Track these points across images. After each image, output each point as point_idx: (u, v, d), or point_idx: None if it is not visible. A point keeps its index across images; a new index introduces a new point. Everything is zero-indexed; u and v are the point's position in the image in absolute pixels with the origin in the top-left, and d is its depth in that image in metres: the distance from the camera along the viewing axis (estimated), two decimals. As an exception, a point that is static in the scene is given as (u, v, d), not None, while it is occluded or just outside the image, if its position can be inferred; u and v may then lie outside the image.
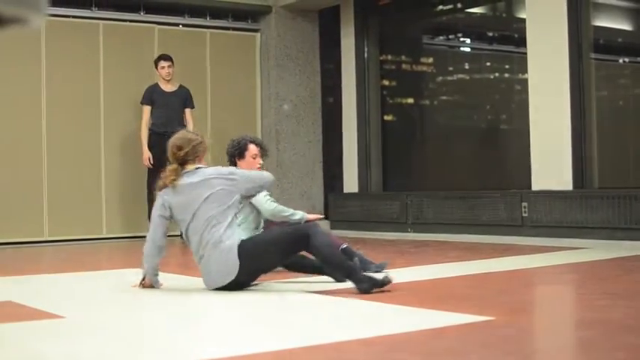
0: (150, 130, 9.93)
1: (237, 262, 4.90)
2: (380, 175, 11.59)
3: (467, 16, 11.56)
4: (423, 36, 12.16)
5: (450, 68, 11.84)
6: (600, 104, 9.36)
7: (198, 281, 5.65)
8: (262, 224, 6.06)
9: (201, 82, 11.18)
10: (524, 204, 9.03)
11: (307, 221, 5.73)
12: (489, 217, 9.45)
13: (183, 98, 10.06)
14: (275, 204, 5.89)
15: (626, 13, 10.28)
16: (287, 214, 5.78)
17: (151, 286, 5.37)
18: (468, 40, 12.03)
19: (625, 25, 10.50)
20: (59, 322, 4.10)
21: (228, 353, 3.21)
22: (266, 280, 5.28)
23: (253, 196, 5.45)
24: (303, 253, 5.11)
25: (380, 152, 11.59)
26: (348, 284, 5.03)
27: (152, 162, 9.84)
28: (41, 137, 10.10)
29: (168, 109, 9.94)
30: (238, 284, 4.96)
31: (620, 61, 10.56)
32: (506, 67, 11.14)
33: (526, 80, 9.31)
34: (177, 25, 11.29)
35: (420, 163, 11.76)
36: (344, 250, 6.00)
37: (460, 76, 11.78)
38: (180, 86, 10.13)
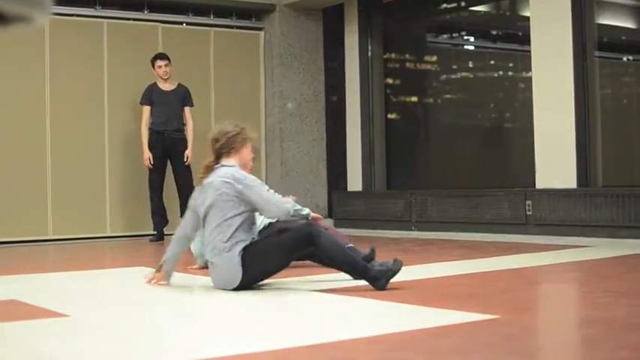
0: (150, 129, 9.93)
1: (240, 272, 4.88)
2: (384, 173, 11.59)
3: (471, 15, 11.56)
4: (427, 34, 12.15)
5: (454, 66, 11.83)
6: (604, 102, 9.36)
7: (201, 279, 5.66)
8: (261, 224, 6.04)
9: (204, 81, 11.18)
10: (528, 202, 9.03)
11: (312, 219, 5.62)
12: (493, 216, 9.45)
13: (182, 96, 10.05)
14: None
15: (631, 11, 10.27)
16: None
17: (160, 281, 5.33)
18: (472, 39, 12.02)
19: (629, 23, 10.48)
20: (63, 321, 4.10)
21: (230, 352, 3.21)
22: (272, 278, 5.28)
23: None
24: None
25: (384, 150, 11.59)
26: (350, 283, 5.04)
27: (152, 162, 9.86)
28: (45, 136, 10.11)
29: (167, 107, 9.94)
30: (243, 287, 4.94)
31: (624, 59, 10.54)
32: (510, 65, 11.14)
33: (530, 78, 9.31)
34: (181, 23, 11.29)
35: (424, 161, 11.76)
36: (349, 249, 6.02)
37: (464, 74, 11.77)
38: (179, 85, 10.12)
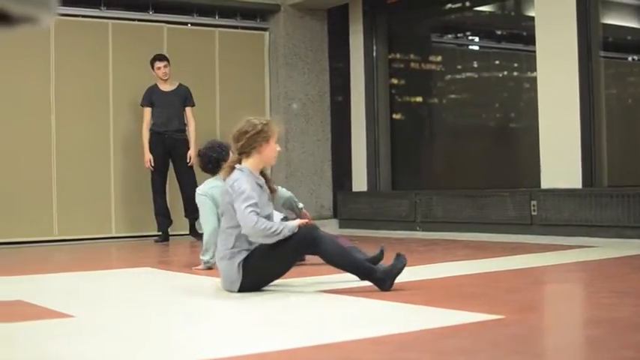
0: (150, 130, 9.95)
1: (240, 280, 4.88)
2: (389, 173, 11.59)
3: (475, 15, 11.55)
4: (432, 34, 12.15)
5: (459, 67, 11.83)
6: (609, 102, 9.35)
7: (206, 280, 5.67)
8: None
9: (209, 81, 11.19)
10: (534, 202, 9.02)
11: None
12: (498, 216, 9.44)
13: (183, 97, 10.05)
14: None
15: (636, 10, 10.26)
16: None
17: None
18: (477, 39, 12.02)
19: (634, 23, 10.47)
20: (69, 322, 4.11)
21: (235, 352, 3.21)
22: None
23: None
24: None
25: (389, 151, 11.59)
26: (355, 284, 5.04)
27: (153, 164, 9.87)
28: (50, 136, 10.13)
29: (167, 108, 9.94)
30: (246, 291, 4.93)
31: (630, 59, 10.54)
32: (515, 65, 11.13)
33: (535, 78, 9.30)
34: (185, 24, 11.30)
35: (429, 161, 11.76)
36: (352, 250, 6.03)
37: (469, 74, 11.77)
38: (180, 85, 10.12)
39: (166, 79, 10.01)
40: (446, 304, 4.27)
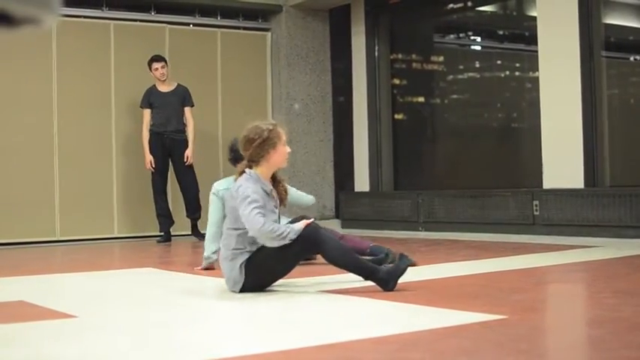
0: (150, 130, 9.95)
1: (242, 281, 4.88)
2: (391, 173, 11.59)
3: (477, 15, 11.55)
4: (434, 34, 12.15)
5: (461, 67, 11.83)
6: (611, 102, 9.34)
7: (209, 280, 5.67)
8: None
9: (211, 82, 11.20)
10: (536, 202, 9.02)
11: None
12: (500, 216, 9.44)
13: (182, 97, 10.05)
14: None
15: (638, 10, 10.25)
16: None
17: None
18: (479, 39, 12.02)
19: (636, 23, 10.47)
20: (71, 322, 4.11)
21: (237, 352, 3.21)
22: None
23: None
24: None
25: (391, 151, 11.59)
26: (358, 283, 5.04)
27: (154, 165, 9.87)
28: (52, 137, 10.14)
29: (166, 109, 9.95)
30: (249, 291, 4.93)
31: (632, 58, 10.53)
32: (517, 65, 11.13)
33: (537, 78, 9.30)
34: (187, 24, 11.31)
35: (431, 161, 11.75)
36: (372, 248, 6.10)
37: (471, 74, 11.77)
38: (178, 85, 10.12)
39: (164, 80, 10.01)
40: (448, 305, 4.27)
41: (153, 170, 9.93)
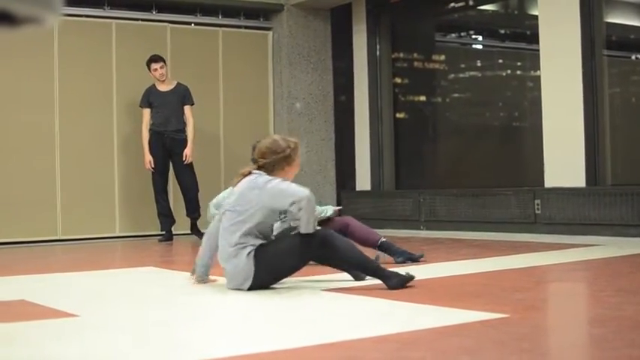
0: (150, 130, 9.95)
1: (252, 274, 4.88)
2: (392, 172, 11.59)
3: (479, 14, 11.55)
4: (435, 33, 12.15)
5: (462, 66, 11.82)
6: (613, 101, 9.34)
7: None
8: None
9: (213, 81, 11.20)
10: (537, 201, 9.02)
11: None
12: (502, 215, 9.44)
13: (181, 96, 10.04)
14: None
15: (639, 9, 10.24)
16: (319, 211, 5.34)
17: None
18: (480, 38, 12.02)
19: (638, 22, 10.46)
20: (73, 321, 4.11)
21: (240, 351, 3.21)
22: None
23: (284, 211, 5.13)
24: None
25: (392, 150, 11.59)
26: (359, 282, 5.04)
27: (154, 165, 9.87)
28: (54, 136, 10.14)
29: (166, 108, 9.94)
30: (255, 289, 4.93)
31: (633, 57, 10.53)
32: (519, 64, 11.13)
33: (538, 77, 9.30)
34: (189, 23, 11.30)
35: (433, 160, 11.75)
36: (381, 243, 6.12)
37: (472, 73, 11.76)
38: (178, 84, 10.11)
39: (164, 80, 10.01)
40: (450, 303, 4.27)
41: (152, 170, 9.93)
